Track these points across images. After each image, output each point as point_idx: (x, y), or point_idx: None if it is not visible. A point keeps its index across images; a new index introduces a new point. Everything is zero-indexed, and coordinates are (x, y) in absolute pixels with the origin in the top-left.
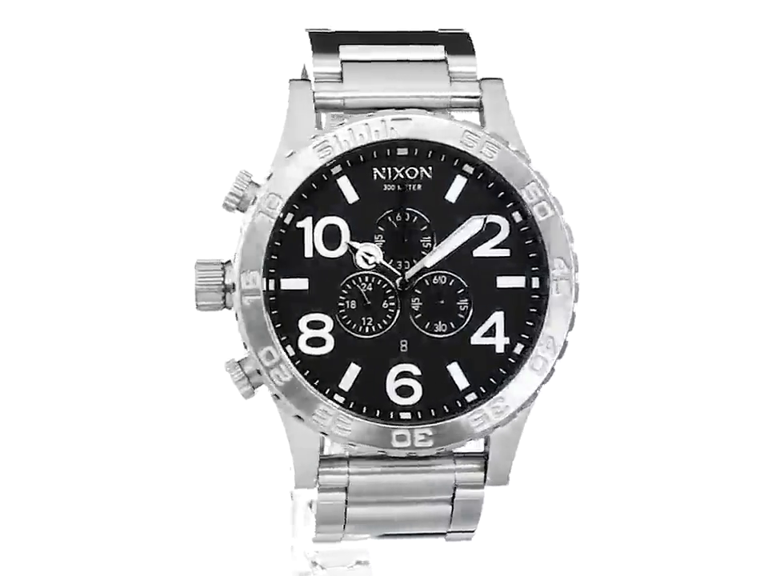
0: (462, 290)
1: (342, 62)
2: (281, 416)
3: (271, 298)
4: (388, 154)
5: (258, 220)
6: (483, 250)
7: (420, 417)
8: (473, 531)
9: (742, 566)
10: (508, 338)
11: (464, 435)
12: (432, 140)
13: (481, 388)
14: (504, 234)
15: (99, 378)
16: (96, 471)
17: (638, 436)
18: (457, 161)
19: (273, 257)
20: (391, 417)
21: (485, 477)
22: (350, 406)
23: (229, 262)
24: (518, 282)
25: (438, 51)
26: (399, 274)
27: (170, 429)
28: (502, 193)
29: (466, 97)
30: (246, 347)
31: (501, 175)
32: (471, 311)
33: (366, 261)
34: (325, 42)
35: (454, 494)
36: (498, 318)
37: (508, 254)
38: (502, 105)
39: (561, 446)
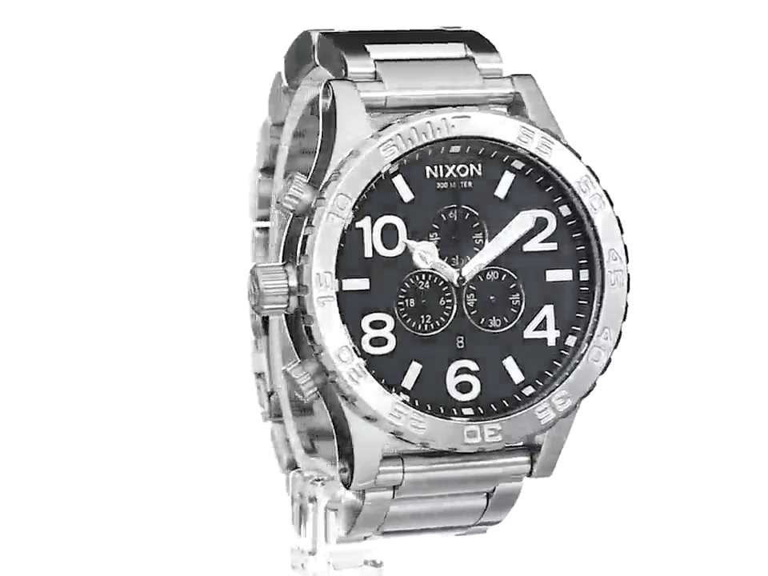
0: (513, 285)
1: (376, 61)
2: (347, 416)
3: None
4: (441, 151)
5: (330, 221)
6: (532, 245)
7: (483, 412)
8: (498, 522)
9: None
10: (558, 331)
11: (531, 428)
12: (490, 137)
13: (536, 381)
14: (551, 228)
15: (99, 380)
16: (94, 471)
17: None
18: (507, 157)
19: (337, 258)
20: (455, 413)
21: (531, 469)
22: (415, 405)
23: (287, 263)
24: (566, 275)
25: (459, 49)
26: (456, 271)
27: (174, 434)
28: (550, 187)
29: (500, 94)
30: (314, 349)
31: (555, 170)
32: (523, 305)
33: (424, 259)
34: (351, 43)
35: (495, 486)
36: (548, 311)
37: (555, 248)
38: (541, 101)
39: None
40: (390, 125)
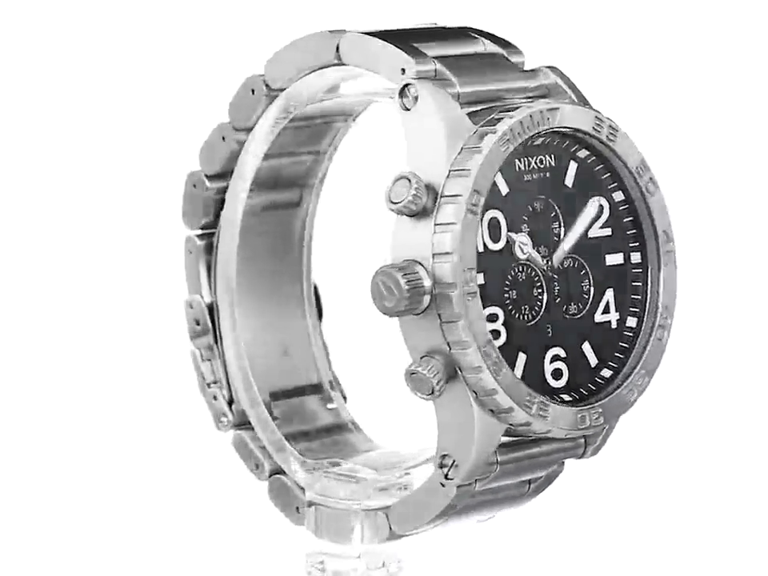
0: (584, 271)
1: (434, 58)
2: (475, 411)
3: None
4: (527, 144)
5: (468, 218)
6: (594, 231)
7: (578, 397)
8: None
9: None
10: (618, 313)
11: (622, 409)
12: (573, 127)
13: (610, 363)
14: (606, 213)
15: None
16: (96, 473)
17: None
18: (575, 146)
19: None
20: (557, 401)
21: (584, 451)
22: None
23: (412, 262)
24: (619, 258)
25: (480, 45)
26: (546, 260)
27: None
28: (607, 174)
29: (540, 86)
30: (450, 347)
31: (620, 157)
32: (592, 291)
33: (522, 251)
34: (401, 41)
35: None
36: (609, 294)
37: (610, 233)
38: (578, 90)
39: None
40: (492, 119)
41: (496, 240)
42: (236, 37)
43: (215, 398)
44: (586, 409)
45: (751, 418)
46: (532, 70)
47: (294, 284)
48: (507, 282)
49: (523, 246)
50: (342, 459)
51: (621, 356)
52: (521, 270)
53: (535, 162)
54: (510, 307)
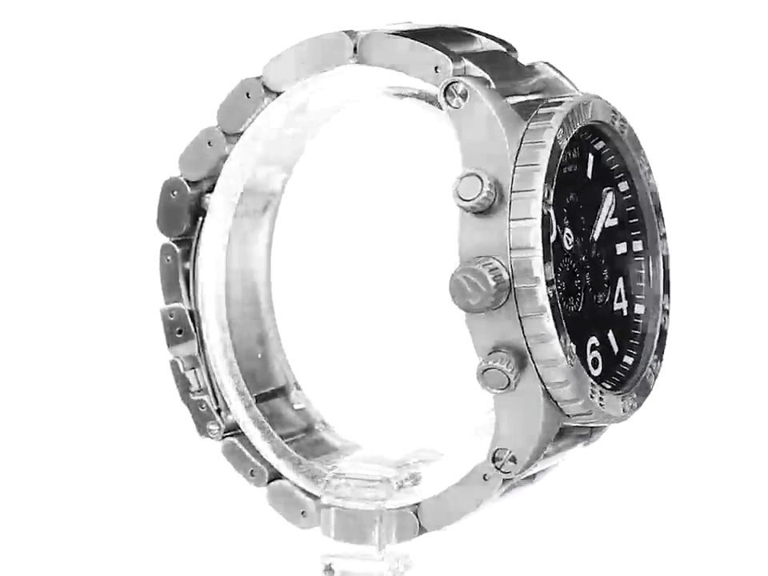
0: (604, 261)
1: (462, 55)
2: (543, 403)
3: None
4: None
5: (544, 212)
6: (607, 222)
7: (614, 385)
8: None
9: None
10: (627, 301)
11: (646, 394)
12: (601, 120)
13: (629, 350)
14: (614, 204)
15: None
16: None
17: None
18: (595, 139)
19: None
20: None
21: (590, 437)
22: None
23: (489, 258)
24: (624, 247)
25: (479, 42)
26: (584, 251)
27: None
28: (616, 165)
29: (540, 81)
30: (527, 341)
31: (629, 148)
32: (610, 279)
33: (568, 242)
34: (428, 40)
35: None
36: (620, 283)
37: (617, 223)
38: (576, 86)
39: None
40: (539, 114)
41: (549, 232)
42: (191, 47)
43: (202, 405)
44: (626, 395)
45: (748, 407)
46: (530, 66)
47: (266, 287)
48: (558, 274)
49: (569, 237)
50: (338, 460)
51: (636, 342)
52: (565, 261)
53: (568, 156)
54: (561, 298)
